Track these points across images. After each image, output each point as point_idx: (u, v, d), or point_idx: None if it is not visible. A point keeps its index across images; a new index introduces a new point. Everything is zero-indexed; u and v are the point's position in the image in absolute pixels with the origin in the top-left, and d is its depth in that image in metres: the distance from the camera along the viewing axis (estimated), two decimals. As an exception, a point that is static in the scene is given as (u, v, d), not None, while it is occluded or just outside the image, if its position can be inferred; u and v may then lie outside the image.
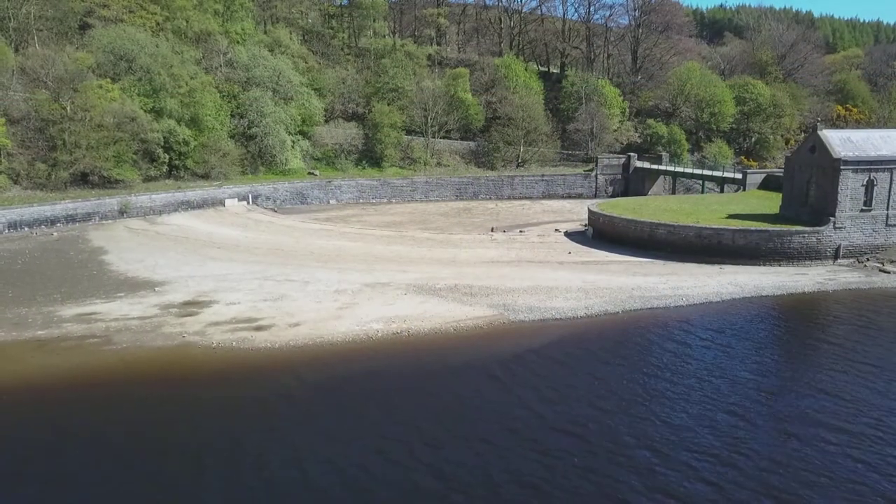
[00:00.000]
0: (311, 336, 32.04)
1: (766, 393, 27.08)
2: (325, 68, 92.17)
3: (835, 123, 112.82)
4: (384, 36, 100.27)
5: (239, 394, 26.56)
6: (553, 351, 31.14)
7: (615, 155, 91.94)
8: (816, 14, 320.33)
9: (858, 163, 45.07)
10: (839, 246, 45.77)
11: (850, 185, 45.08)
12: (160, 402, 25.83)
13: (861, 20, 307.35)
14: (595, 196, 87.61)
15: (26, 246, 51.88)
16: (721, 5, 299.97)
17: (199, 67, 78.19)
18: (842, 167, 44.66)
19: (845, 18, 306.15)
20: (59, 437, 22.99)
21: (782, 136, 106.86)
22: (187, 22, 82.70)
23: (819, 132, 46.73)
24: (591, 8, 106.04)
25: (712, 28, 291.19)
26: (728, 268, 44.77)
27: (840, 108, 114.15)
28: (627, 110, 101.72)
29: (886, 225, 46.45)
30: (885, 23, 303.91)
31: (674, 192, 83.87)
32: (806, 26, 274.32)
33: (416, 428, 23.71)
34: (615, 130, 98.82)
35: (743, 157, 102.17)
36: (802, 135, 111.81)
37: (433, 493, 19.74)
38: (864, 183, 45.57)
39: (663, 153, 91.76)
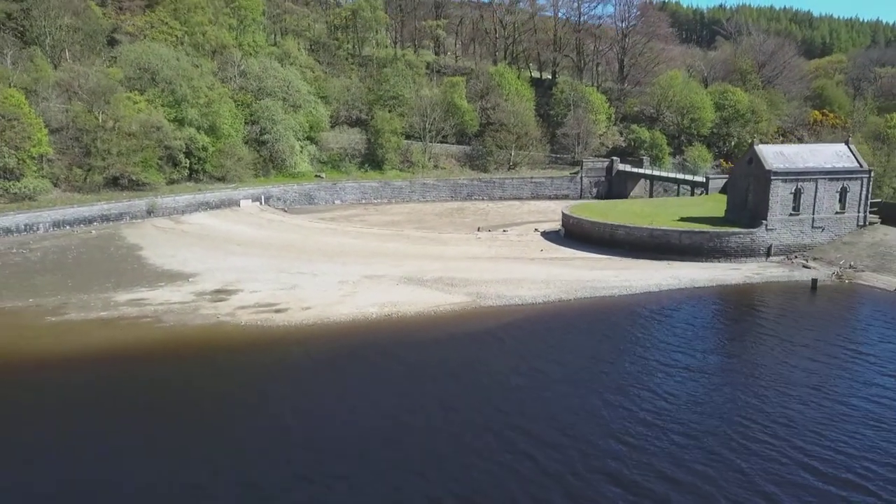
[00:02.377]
0: (319, 317, 40.46)
1: (670, 356, 35.32)
2: (331, 77, 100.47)
3: (811, 128, 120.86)
4: (386, 46, 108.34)
5: (264, 360, 34.92)
6: (509, 328, 39.52)
7: (599, 159, 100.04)
8: (816, 13, 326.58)
9: (787, 174, 53.19)
10: (771, 245, 53.93)
11: (780, 193, 53.20)
12: (204, 365, 34.30)
13: (861, 19, 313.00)
14: (580, 197, 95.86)
15: (71, 242, 60.39)
16: (721, 5, 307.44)
17: (215, 78, 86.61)
18: (772, 177, 52.77)
19: (844, 18, 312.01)
20: (133, 387, 31.41)
21: (760, 139, 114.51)
22: (204, 36, 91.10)
23: (755, 146, 54.90)
24: (582, 18, 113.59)
25: (712, 28, 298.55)
26: (675, 263, 52.98)
27: (817, 113, 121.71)
28: (614, 115, 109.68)
29: (812, 227, 54.59)
30: (884, 22, 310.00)
31: (651, 194, 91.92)
32: (803, 27, 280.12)
33: (399, 382, 32.07)
34: (601, 135, 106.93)
35: (722, 160, 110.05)
36: (781, 138, 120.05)
37: (415, 422, 28.00)
38: (793, 191, 53.68)
39: (645, 157, 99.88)
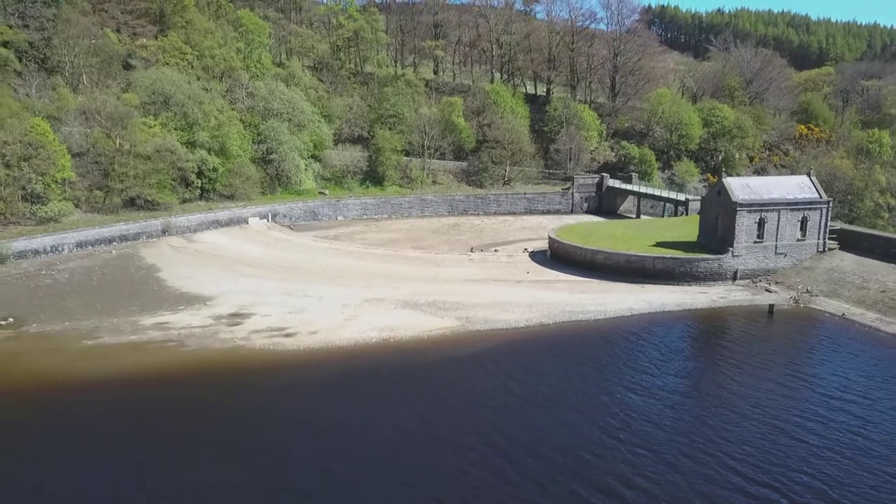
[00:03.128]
0: (324, 341, 45.84)
1: (634, 377, 40.61)
2: (334, 96, 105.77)
3: (797, 142, 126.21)
4: (387, 66, 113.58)
5: (278, 382, 40.28)
6: (494, 352, 44.82)
7: (590, 175, 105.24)
8: (814, 17, 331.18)
9: (752, 205, 58.43)
10: (737, 270, 59.20)
11: (745, 223, 58.45)
12: (225, 386, 39.67)
13: (859, 23, 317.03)
14: (572, 212, 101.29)
15: (94, 263, 65.79)
16: (719, 10, 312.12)
17: (224, 101, 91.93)
18: (738, 208, 58.00)
19: (843, 21, 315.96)
20: (166, 407, 36.79)
21: (747, 154, 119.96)
22: (213, 59, 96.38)
23: (724, 179, 60.15)
24: (575, 38, 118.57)
25: (710, 32, 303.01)
26: (649, 287, 58.26)
27: (802, 127, 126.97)
28: (605, 131, 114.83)
29: (775, 253, 59.84)
30: (881, 25, 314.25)
31: (639, 210, 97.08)
32: (800, 32, 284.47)
33: (396, 398, 37.41)
34: (593, 150, 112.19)
35: (709, 175, 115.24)
36: (767, 152, 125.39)
37: (415, 430, 33.31)
38: (757, 220, 58.93)
39: (633, 173, 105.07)
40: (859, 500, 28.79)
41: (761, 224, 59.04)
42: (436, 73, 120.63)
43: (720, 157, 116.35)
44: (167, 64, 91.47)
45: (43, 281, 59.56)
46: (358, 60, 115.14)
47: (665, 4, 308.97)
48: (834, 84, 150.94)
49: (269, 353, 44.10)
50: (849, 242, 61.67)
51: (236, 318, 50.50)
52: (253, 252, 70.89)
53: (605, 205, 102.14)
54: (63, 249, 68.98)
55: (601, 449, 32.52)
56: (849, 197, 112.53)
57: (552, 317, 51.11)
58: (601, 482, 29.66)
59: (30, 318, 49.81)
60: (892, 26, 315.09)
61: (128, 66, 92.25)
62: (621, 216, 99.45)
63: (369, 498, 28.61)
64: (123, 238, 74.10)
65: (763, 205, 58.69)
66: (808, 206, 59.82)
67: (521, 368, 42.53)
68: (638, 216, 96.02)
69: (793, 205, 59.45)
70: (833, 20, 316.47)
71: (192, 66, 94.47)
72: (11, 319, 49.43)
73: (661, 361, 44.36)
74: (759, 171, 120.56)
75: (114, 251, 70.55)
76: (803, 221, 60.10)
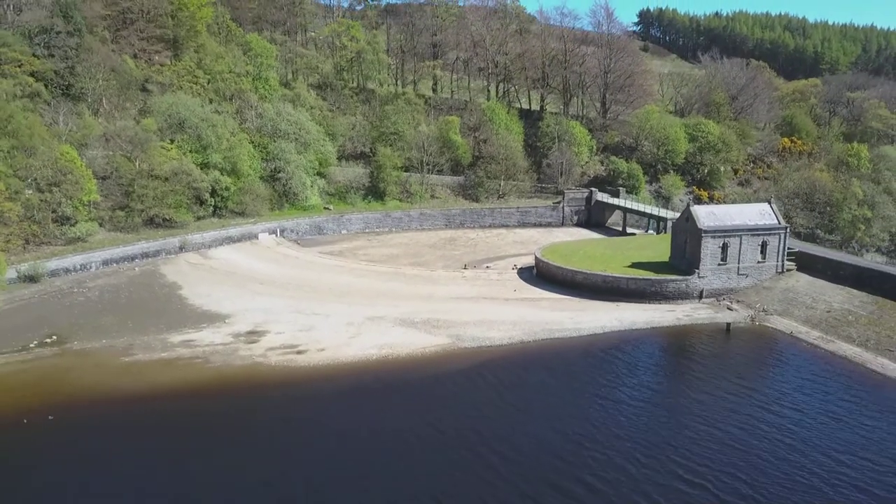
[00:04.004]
0: (331, 358, 52.79)
1: (601, 390, 47.48)
2: (338, 115, 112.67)
3: (780, 154, 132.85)
4: (387, 85, 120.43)
5: (293, 394, 47.23)
6: (481, 367, 51.69)
7: (580, 189, 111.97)
8: (811, 20, 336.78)
9: (716, 231, 65.20)
10: (703, 290, 66.03)
11: (710, 247, 65.23)
12: (248, 400, 46.60)
13: (856, 25, 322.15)
14: (562, 224, 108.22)
15: (120, 281, 72.78)
16: (717, 13, 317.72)
17: (235, 122, 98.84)
18: (703, 234, 64.79)
19: (840, 23, 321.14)
20: (199, 419, 43.76)
21: (731, 167, 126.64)
22: (224, 82, 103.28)
23: (691, 207, 66.96)
24: (567, 56, 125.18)
25: (708, 35, 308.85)
26: (622, 305, 65.11)
27: (786, 140, 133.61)
28: (595, 146, 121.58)
29: (737, 274, 66.65)
30: (878, 27, 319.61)
31: (625, 223, 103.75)
32: (796, 36, 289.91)
33: (396, 409, 44.34)
34: (584, 164, 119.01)
35: (695, 187, 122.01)
36: (751, 164, 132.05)
37: (413, 435, 40.19)
38: (721, 245, 65.72)
39: (621, 188, 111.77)
40: (773, 494, 35.59)
41: (725, 248, 65.83)
42: (434, 90, 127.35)
43: (706, 171, 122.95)
44: (181, 88, 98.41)
45: (76, 299, 66.59)
46: (360, 79, 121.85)
47: (663, 7, 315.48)
48: (821, 95, 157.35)
49: (284, 369, 51.08)
50: (805, 264, 68.44)
51: (253, 335, 57.47)
52: (264, 270, 77.77)
53: (593, 218, 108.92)
54: (91, 267, 75.95)
55: (564, 452, 39.45)
56: (828, 208, 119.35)
57: (533, 334, 58.00)
58: (567, 482, 36.55)
59: (70, 335, 56.82)
60: (888, 28, 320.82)
61: (145, 90, 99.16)
62: (609, 228, 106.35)
63: (376, 488, 35.48)
64: (144, 255, 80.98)
65: (726, 231, 65.45)
66: (767, 232, 66.57)
67: (504, 383, 49.39)
68: (624, 229, 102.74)
69: (753, 230, 66.21)
70: (830, 23, 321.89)
71: (205, 89, 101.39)
72: (55, 337, 56.44)
73: (625, 376, 51.28)
74: (743, 184, 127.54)
75: (137, 268, 77.52)
76: (763, 245, 66.87)
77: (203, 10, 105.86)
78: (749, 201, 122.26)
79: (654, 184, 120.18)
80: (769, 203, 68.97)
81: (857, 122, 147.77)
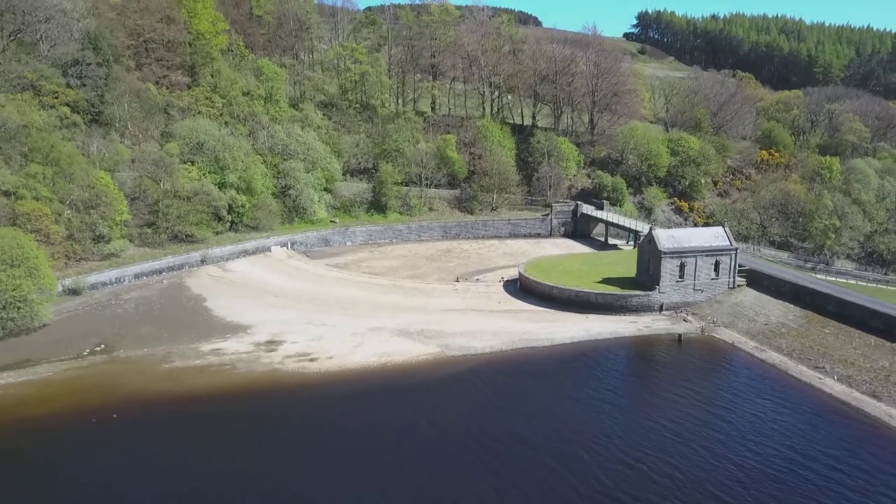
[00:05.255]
0: (339, 365, 63.24)
1: (563, 391, 57.76)
2: (343, 134, 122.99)
3: (759, 166, 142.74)
4: (389, 105, 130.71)
5: (308, 397, 57.66)
6: (466, 373, 62.07)
7: (567, 202, 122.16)
8: (808, 21, 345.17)
9: (674, 252, 75.40)
10: (662, 303, 76.28)
11: (668, 266, 75.43)
12: (272, 401, 57.08)
13: (852, 26, 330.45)
14: (550, 235, 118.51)
15: (151, 293, 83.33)
16: (713, 16, 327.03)
17: (248, 143, 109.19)
18: (663, 255, 74.97)
19: (836, 25, 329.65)
20: (232, 418, 54.23)
21: (711, 179, 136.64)
22: (238, 105, 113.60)
23: (653, 231, 77.13)
24: (558, 76, 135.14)
25: (704, 38, 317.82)
26: (592, 317, 75.39)
27: (764, 153, 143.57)
28: (583, 161, 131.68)
29: (693, 290, 76.88)
30: (875, 28, 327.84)
31: (607, 235, 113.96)
32: (791, 39, 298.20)
33: (394, 408, 54.75)
34: (573, 177, 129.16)
35: (676, 198, 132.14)
36: (731, 176, 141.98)
37: (419, 428, 50.56)
38: (679, 264, 75.93)
39: (605, 200, 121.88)
40: (694, 475, 45.84)
41: (682, 267, 76.03)
42: (433, 108, 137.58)
43: (687, 183, 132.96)
44: (199, 112, 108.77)
45: (115, 310, 77.17)
46: (363, 96, 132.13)
47: (661, 10, 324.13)
48: (803, 107, 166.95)
49: (299, 374, 61.59)
50: (754, 280, 78.61)
51: (271, 344, 67.97)
52: (277, 283, 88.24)
53: (579, 229, 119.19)
54: (124, 280, 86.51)
55: (534, 443, 49.79)
56: (801, 218, 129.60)
57: (511, 344, 68.38)
58: (532, 464, 46.94)
59: (116, 344, 67.41)
60: (885, 29, 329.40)
61: (166, 113, 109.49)
62: (593, 239, 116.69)
63: (381, 472, 45.88)
64: (170, 269, 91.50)
65: (684, 251, 75.64)
66: (720, 252, 76.74)
67: (485, 385, 59.82)
68: (606, 240, 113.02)
69: (708, 251, 76.40)
70: (827, 24, 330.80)
71: (221, 113, 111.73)
72: (103, 346, 67.06)
73: (588, 380, 61.70)
74: (723, 194, 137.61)
75: (164, 281, 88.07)
76: (717, 264, 77.06)
77: (218, 38, 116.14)
78: (728, 211, 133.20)
79: (637, 195, 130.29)
80: (723, 227, 79.12)
81: (837, 132, 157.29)
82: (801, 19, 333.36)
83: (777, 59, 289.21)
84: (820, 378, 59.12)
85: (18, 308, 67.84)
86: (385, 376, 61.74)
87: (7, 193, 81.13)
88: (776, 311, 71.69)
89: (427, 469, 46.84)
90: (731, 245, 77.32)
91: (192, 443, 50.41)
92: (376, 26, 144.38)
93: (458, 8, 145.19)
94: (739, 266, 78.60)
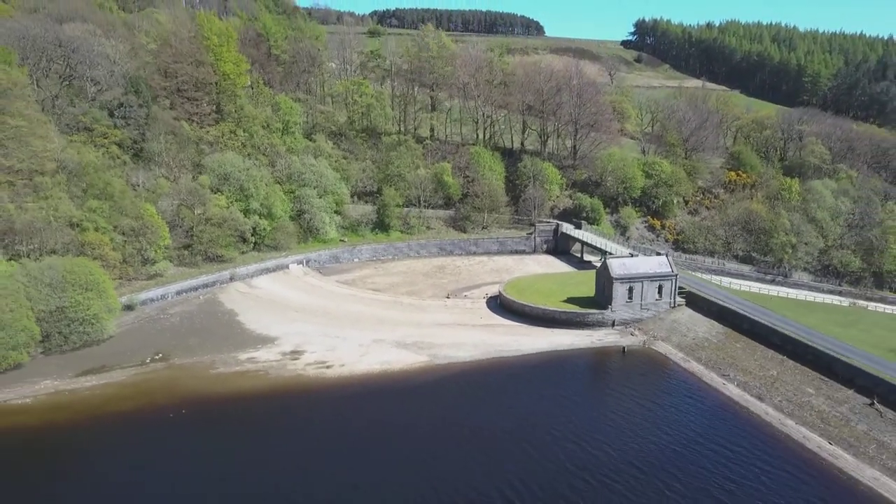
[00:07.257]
0: (350, 371, 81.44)
1: (522, 392, 75.75)
2: (351, 161, 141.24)
3: (727, 186, 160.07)
4: (391, 134, 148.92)
5: (328, 398, 75.81)
6: (451, 378, 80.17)
7: (550, 222, 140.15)
8: (802, 28, 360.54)
9: (624, 278, 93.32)
10: (615, 320, 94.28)
11: (619, 289, 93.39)
12: (300, 401, 75.32)
13: (845, 33, 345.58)
14: (534, 252, 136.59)
15: (191, 308, 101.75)
16: (708, 24, 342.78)
17: (269, 172, 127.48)
18: (615, 280, 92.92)
19: (829, 32, 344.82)
20: (268, 415, 72.50)
21: (683, 199, 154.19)
22: (258, 138, 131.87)
23: (607, 260, 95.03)
24: (544, 105, 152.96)
25: (699, 47, 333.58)
26: (557, 331, 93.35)
27: (732, 174, 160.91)
28: (566, 183, 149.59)
29: (641, 308, 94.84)
30: (867, 35, 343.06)
31: (583, 252, 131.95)
32: (782, 48, 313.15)
33: (393, 407, 72.92)
34: (556, 198, 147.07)
35: (650, 217, 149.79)
36: (701, 195, 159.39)
37: (417, 422, 68.71)
38: (628, 288, 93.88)
39: (582, 220, 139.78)
40: (623, 450, 63.86)
41: (631, 290, 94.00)
42: (431, 136, 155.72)
43: (660, 203, 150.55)
44: (225, 145, 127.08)
45: (164, 324, 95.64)
46: (369, 125, 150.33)
47: (658, 18, 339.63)
48: (774, 127, 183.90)
49: (318, 379, 79.89)
50: (692, 301, 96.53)
51: (295, 354, 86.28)
52: (296, 299, 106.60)
53: (560, 246, 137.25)
54: (168, 297, 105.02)
55: (502, 429, 67.97)
56: (762, 235, 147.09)
57: (487, 354, 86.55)
58: (503, 444, 65.10)
59: (170, 353, 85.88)
60: (877, 36, 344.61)
61: (197, 147, 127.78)
62: (571, 255, 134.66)
63: (383, 457, 64.00)
64: (205, 286, 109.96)
65: (632, 277, 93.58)
66: (663, 278, 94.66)
67: (465, 388, 77.97)
68: (581, 257, 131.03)
69: (653, 277, 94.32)
70: (820, 31, 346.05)
71: (244, 144, 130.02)
72: (160, 354, 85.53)
73: (545, 383, 79.77)
74: (693, 213, 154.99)
75: (201, 297, 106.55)
76: (660, 287, 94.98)
77: (241, 78, 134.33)
78: (696, 229, 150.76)
79: (614, 214, 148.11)
80: (666, 256, 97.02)
81: (804, 150, 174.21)
82: (794, 27, 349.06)
83: (768, 68, 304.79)
84: (724, 384, 77.13)
85: (92, 324, 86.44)
86: (385, 381, 79.92)
87: (73, 225, 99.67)
88: (703, 327, 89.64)
89: (426, 451, 65.02)
90: (673, 271, 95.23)
91: (244, 432, 68.85)
92: (381, 60, 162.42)
93: (454, 41, 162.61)
94: (680, 288, 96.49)
